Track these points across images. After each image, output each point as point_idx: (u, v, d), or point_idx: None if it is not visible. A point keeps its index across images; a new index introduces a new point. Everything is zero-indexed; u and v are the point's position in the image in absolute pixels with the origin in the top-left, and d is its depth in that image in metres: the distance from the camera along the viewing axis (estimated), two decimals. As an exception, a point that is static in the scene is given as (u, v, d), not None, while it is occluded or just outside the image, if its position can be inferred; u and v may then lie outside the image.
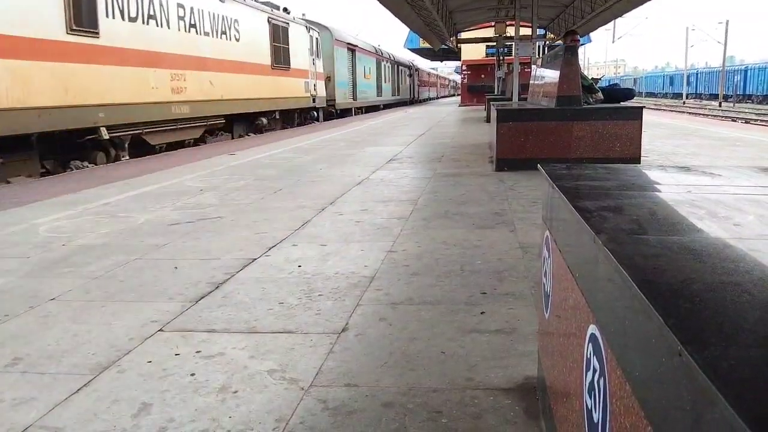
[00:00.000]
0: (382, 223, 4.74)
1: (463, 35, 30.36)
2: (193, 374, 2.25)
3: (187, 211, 5.46)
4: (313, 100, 20.85)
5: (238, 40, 14.87)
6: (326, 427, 1.85)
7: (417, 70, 50.40)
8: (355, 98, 27.45)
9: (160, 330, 2.68)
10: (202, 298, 3.09)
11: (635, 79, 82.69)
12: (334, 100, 23.61)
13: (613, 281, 0.83)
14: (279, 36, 17.62)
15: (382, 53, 34.44)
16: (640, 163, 7.08)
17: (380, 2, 16.74)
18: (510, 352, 2.31)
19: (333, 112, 24.06)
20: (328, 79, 23.08)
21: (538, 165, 1.92)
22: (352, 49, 27.04)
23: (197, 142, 13.18)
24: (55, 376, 2.26)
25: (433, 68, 70.77)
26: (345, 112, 26.33)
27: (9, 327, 2.77)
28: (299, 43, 19.53)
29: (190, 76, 12.29)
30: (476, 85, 35.67)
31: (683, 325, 0.59)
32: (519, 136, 7.28)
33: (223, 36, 14.07)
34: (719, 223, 1.05)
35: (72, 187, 7.12)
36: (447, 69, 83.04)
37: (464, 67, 37.31)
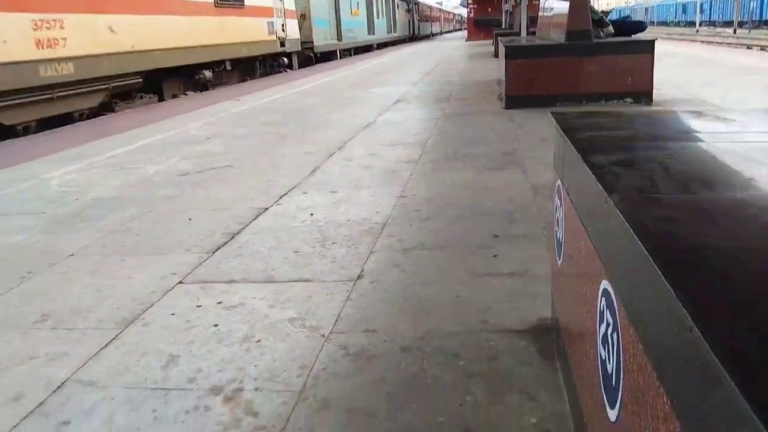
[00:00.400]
0: (392, 167, 4.74)
1: (468, -35, 29.28)
2: (216, 325, 2.32)
3: (196, 160, 5.47)
4: (282, 44, 16.98)
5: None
6: (348, 373, 1.93)
7: (417, 3, 46.63)
8: (340, 38, 23.48)
9: (180, 282, 2.75)
10: (218, 249, 3.15)
11: (646, 9, 79.89)
12: (312, 42, 19.78)
13: (625, 244, 0.84)
14: None
15: None
16: (652, 97, 6.98)
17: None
18: (523, 294, 2.36)
19: (311, 57, 20.21)
20: (303, 17, 19.22)
21: (549, 113, 1.90)
22: None
23: (98, 112, 9.45)
24: (84, 331, 2.35)
25: (438, 1, 68.46)
26: (328, 56, 22.41)
27: (33, 284, 2.85)
28: None
29: (73, 22, 8.55)
30: (483, 19, 34.66)
31: (694, 298, 0.61)
32: (528, 73, 7.15)
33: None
34: (734, 178, 1.06)
35: (72, 142, 7.11)
36: (452, 2, 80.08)
37: (470, 1, 36.16)
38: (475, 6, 35.89)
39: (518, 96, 7.19)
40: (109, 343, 2.25)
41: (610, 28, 7.72)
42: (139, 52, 10.08)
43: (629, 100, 6.95)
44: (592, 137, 1.61)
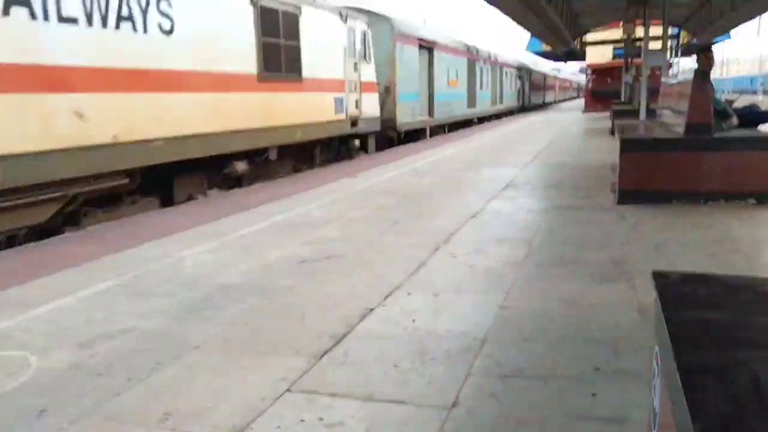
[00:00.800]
0: (496, 268, 4.81)
1: (589, 36, 29.26)
2: (316, 444, 2.49)
3: (313, 246, 5.83)
4: (354, 124, 14.10)
5: (167, 31, 8.07)
6: None
7: (529, 71, 43.98)
8: (431, 114, 20.56)
9: (288, 390, 2.97)
10: (325, 353, 3.36)
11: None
12: (394, 119, 16.98)
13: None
14: (278, 27, 10.67)
15: (477, 52, 27.09)
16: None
17: (501, 10, 16.64)
18: (619, 448, 2.33)
19: (392, 138, 17.40)
20: (387, 91, 16.82)
21: (651, 273, 1.88)
22: (427, 47, 19.83)
23: (43, 233, 6.96)
24: (201, 436, 2.60)
25: (555, 69, 67.67)
26: (416, 134, 19.49)
27: (161, 377, 3.19)
28: (324, 40, 12.56)
29: (10, 103, 6.12)
30: (601, 90, 34.16)
31: None
32: (643, 167, 7.00)
33: (126, 25, 7.42)
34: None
35: (212, 214, 7.83)
36: (569, 68, 79.08)
37: (589, 71, 35.85)
38: (594, 76, 35.48)
39: (632, 191, 7.03)
40: (222, 452, 2.48)
41: (734, 120, 7.42)
42: (129, 144, 7.53)
43: (752, 200, 6.58)
44: (693, 324, 1.56)
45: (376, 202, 8.08)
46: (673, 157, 6.85)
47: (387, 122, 16.63)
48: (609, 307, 3.84)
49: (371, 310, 4.01)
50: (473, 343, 3.39)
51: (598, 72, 34.90)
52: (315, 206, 7.97)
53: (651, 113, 12.97)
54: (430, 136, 21.04)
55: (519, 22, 19.50)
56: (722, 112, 7.30)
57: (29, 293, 4.72)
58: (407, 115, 18.05)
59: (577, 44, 28.17)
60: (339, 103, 13.39)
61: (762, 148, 6.61)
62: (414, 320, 3.79)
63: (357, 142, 15.08)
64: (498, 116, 32.99)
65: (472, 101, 26.58)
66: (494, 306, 3.96)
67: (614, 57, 31.39)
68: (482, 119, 29.28)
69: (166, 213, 8.28)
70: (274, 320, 3.92)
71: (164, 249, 6.01)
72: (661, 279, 1.77)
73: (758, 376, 1.32)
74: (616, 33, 25.70)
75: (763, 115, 7.73)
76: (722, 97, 14.58)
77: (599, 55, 32.51)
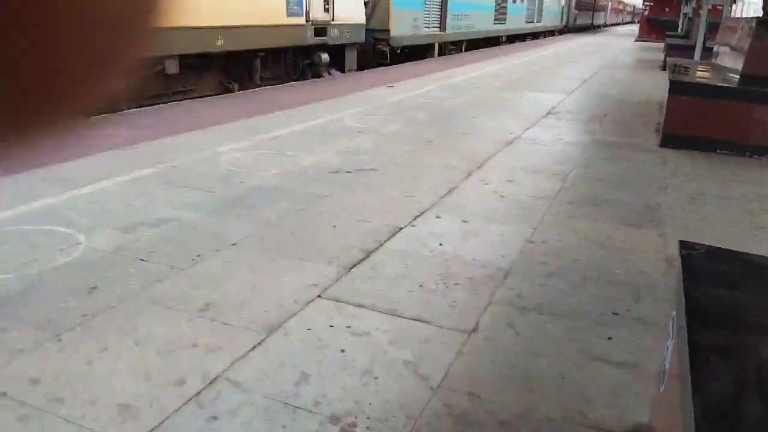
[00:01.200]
0: (527, 201, 4.84)
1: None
2: (343, 351, 2.66)
3: (346, 156, 5.89)
4: (320, 32, 11.05)
5: None
6: (448, 434, 2.18)
7: None
8: (443, 27, 16.57)
9: (319, 296, 3.13)
10: (354, 266, 3.49)
11: None
12: (388, 30, 13.36)
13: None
14: None
15: None
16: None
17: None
18: (628, 391, 2.46)
19: (386, 53, 13.75)
20: None
21: (678, 242, 1.93)
22: None
23: None
24: (237, 329, 2.79)
25: None
26: (420, 51, 15.91)
27: (201, 269, 3.36)
28: None
29: None
30: (658, 19, 32.41)
31: None
32: (691, 112, 6.79)
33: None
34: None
35: (246, 110, 7.86)
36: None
37: (648, -3, 33.88)
38: (652, 3, 33.54)
39: (677, 135, 6.86)
40: (256, 346, 2.66)
41: (797, 75, 7.07)
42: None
43: (802, 159, 6.41)
44: (711, 300, 1.64)
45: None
46: (723, 106, 6.62)
47: (377, 34, 13.25)
48: (637, 252, 3.89)
49: (400, 228, 4.11)
50: (497, 273, 3.49)
51: (656, 0, 32.97)
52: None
53: (707, 51, 12.37)
54: (440, 54, 17.36)
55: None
56: (784, 64, 6.94)
57: (71, 172, 4.89)
58: (406, 26, 14.07)
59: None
60: (295, 2, 10.13)
61: (819, 106, 6.35)
62: (441, 244, 3.88)
63: (325, 57, 11.45)
64: (535, 36, 29.44)
65: (500, 15, 21.93)
66: (521, 239, 4.03)
67: (677, -15, 29.51)
68: (513, 38, 25.03)
69: (202, 102, 8.32)
70: (307, 226, 4.05)
71: (201, 141, 6.11)
72: (686, 249, 1.82)
73: (764, 361, 1.39)
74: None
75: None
76: None
77: (662, -20, 30.57)
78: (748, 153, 6.59)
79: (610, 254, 3.85)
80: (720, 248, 2.01)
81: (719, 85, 7.04)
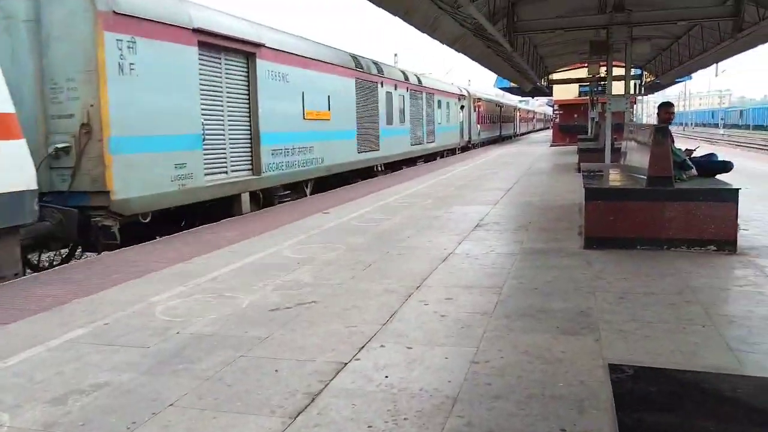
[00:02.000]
0: (466, 319, 4.93)
1: (555, 76, 30.14)
2: None
3: (285, 292, 5.88)
4: None
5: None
6: None
7: (478, 99, 37.30)
8: (256, 169, 11.88)
9: (264, 453, 3.01)
10: (300, 413, 3.40)
11: (741, 111, 77.80)
12: (107, 192, 8.24)
13: None
14: None
15: (378, 69, 18.63)
16: (736, 245, 6.86)
17: (469, 56, 17.09)
18: None
19: (112, 228, 8.40)
20: (84, 133, 8.15)
21: (608, 365, 2.03)
22: (242, 50, 11.30)
23: None
24: (178, 504, 2.62)
25: (523, 99, 68.03)
26: (212, 209, 10.86)
27: (137, 438, 3.20)
28: None
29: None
30: (568, 125, 35.17)
31: None
32: (608, 215, 7.26)
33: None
34: None
35: (183, 253, 7.81)
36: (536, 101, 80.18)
37: (556, 107, 36.91)
38: (561, 112, 36.51)
39: (598, 237, 7.27)
40: None
41: (694, 171, 7.77)
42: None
43: (712, 247, 6.87)
44: (643, 428, 1.71)
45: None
46: (636, 206, 7.13)
47: (90, 199, 8.26)
48: (575, 362, 3.98)
49: (345, 364, 4.08)
50: (445, 402, 3.48)
51: (565, 108, 35.96)
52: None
53: (616, 152, 13.41)
54: (265, 205, 12.40)
55: (486, 66, 20.04)
56: (682, 164, 7.63)
57: (-3, 342, 4.66)
58: (155, 180, 9.09)
59: (544, 82, 29.01)
60: None
61: (720, 198, 6.92)
62: (387, 376, 3.86)
63: None
64: (429, 158, 26.51)
65: (365, 142, 17.50)
66: (465, 360, 4.07)
67: (580, 94, 32.42)
68: (397, 164, 21.14)
69: (134, 251, 8.22)
70: (247, 375, 3.95)
71: (134, 293, 5.98)
72: (615, 373, 1.92)
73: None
74: (582, 72, 26.56)
75: (721, 165, 8.08)
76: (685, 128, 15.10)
77: (566, 92, 33.52)
78: (665, 246, 7.03)
79: (550, 366, 3.93)
80: (647, 368, 2.11)
81: (630, 188, 7.60)
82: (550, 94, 38.22)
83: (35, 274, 7.14)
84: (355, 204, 12.18)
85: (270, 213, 11.70)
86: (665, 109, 8.50)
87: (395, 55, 47.12)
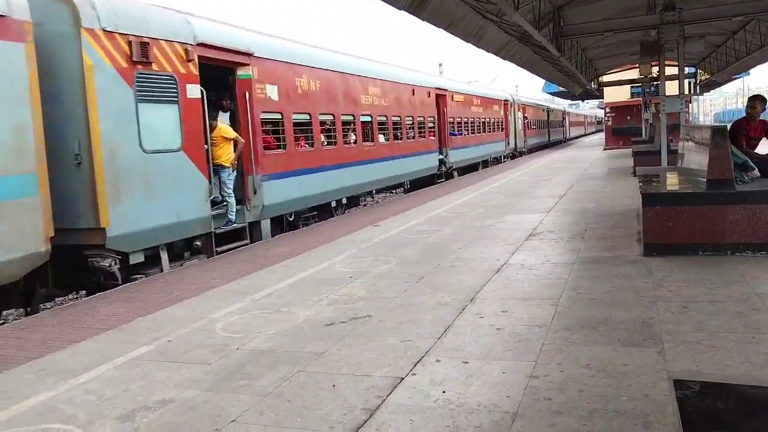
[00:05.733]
0: (523, 332, 4.85)
1: (605, 78, 29.51)
2: None
3: (340, 306, 5.94)
4: None
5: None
6: None
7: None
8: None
9: (325, 469, 3.04)
10: (358, 429, 3.42)
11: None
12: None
13: None
14: None
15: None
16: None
17: (514, 63, 16.94)
18: None
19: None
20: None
21: (673, 383, 1.96)
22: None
23: None
24: None
25: (573, 103, 66.44)
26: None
27: (203, 454, 3.28)
28: None
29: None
30: (621, 128, 34.31)
31: None
32: (668, 220, 7.03)
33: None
34: None
35: (240, 270, 7.99)
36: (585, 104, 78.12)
37: (608, 110, 36.07)
38: (613, 114, 35.64)
39: (658, 244, 7.05)
40: None
41: (756, 172, 7.45)
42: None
43: (779, 251, 6.56)
44: None
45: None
46: (696, 211, 6.88)
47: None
48: (639, 375, 3.86)
49: (402, 379, 4.08)
50: (505, 418, 3.43)
51: (617, 110, 35.09)
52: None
53: (673, 153, 13.00)
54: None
55: (533, 72, 19.82)
56: (743, 165, 7.34)
57: (68, 361, 4.87)
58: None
59: (594, 85, 28.39)
60: None
61: (785, 199, 6.61)
62: (444, 391, 3.84)
63: None
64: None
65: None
66: (524, 375, 4.01)
67: (632, 95, 31.59)
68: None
69: (191, 269, 8.47)
70: (306, 391, 4.01)
71: (195, 310, 6.15)
72: (681, 389, 1.85)
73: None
74: (633, 73, 25.89)
75: (785, 163, 7.72)
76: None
77: (617, 93, 32.72)
78: (729, 251, 6.75)
79: (613, 380, 3.82)
80: (714, 383, 2.04)
81: (689, 191, 7.35)
82: (601, 97, 37.39)
83: (101, 293, 7.44)
84: (404, 216, 12.21)
85: (322, 227, 11.86)
86: (750, 103, 8.21)
87: (440, 64, 46.65)
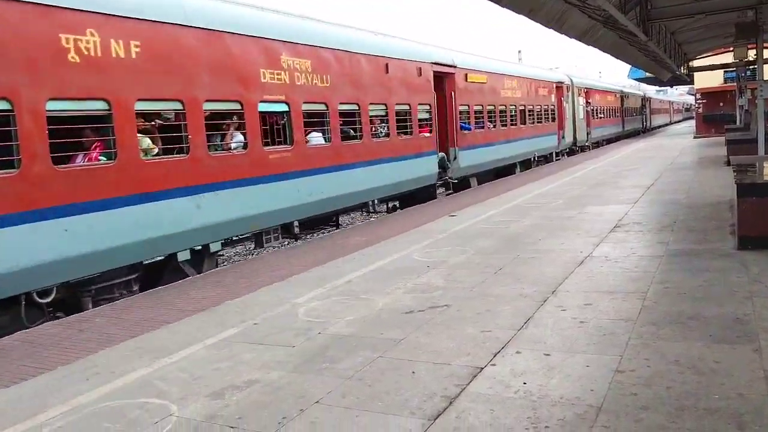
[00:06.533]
0: (608, 326, 4.72)
1: (696, 63, 27.90)
2: None
3: (418, 295, 5.98)
4: None
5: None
6: None
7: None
8: None
9: (406, 453, 3.09)
10: (439, 416, 3.45)
11: None
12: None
13: None
14: None
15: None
16: None
17: (598, 48, 16.33)
18: None
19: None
20: None
21: None
22: None
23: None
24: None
25: (661, 89, 62.70)
26: None
27: (288, 432, 3.41)
28: None
29: None
30: (713, 115, 32.34)
31: None
32: (764, 212, 6.60)
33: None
34: None
35: (320, 257, 8.18)
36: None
37: (698, 96, 34.09)
38: (705, 101, 33.65)
39: (753, 237, 6.64)
40: None
41: None
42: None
43: None
44: None
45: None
46: (798, 202, 6.43)
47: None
48: (731, 373, 3.68)
49: (481, 369, 4.07)
50: (589, 411, 3.36)
51: (709, 96, 33.11)
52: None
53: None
54: None
55: (618, 57, 19.01)
56: None
57: (162, 340, 5.17)
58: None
59: (683, 70, 26.87)
60: None
61: None
62: (525, 383, 3.81)
63: None
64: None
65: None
66: (609, 369, 3.90)
67: (725, 81, 29.69)
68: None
69: (275, 255, 8.75)
70: (386, 376, 4.07)
71: (279, 295, 6.37)
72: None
73: None
74: (727, 57, 24.28)
75: None
76: None
77: (709, 79, 30.82)
78: (836, 247, 6.27)
79: (704, 378, 3.66)
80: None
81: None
82: (691, 83, 35.37)
83: (193, 277, 7.83)
84: (482, 206, 12.08)
85: (398, 217, 11.93)
86: None
87: (519, 51, 45.02)
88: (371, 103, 11.93)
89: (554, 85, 24.50)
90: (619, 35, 14.90)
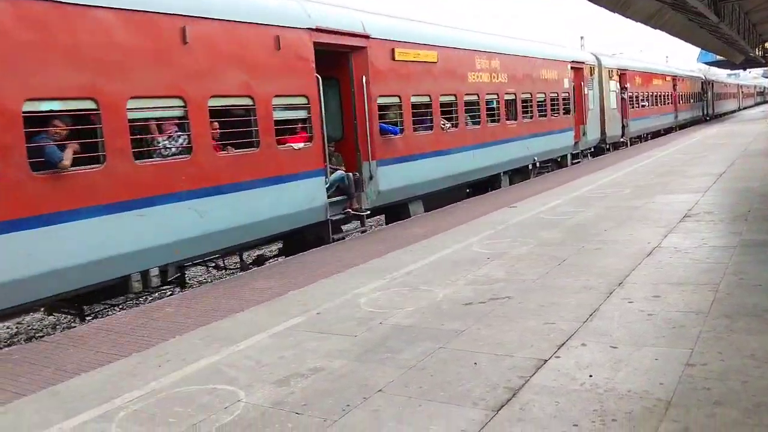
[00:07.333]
0: (678, 318, 4.55)
1: (773, 42, 26.36)
2: (501, 504, 2.57)
3: (478, 287, 5.94)
4: None
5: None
6: None
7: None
8: None
9: (469, 443, 3.09)
10: (502, 407, 3.43)
11: None
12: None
13: None
14: None
15: None
16: None
17: (666, 32, 15.68)
18: None
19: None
20: None
21: None
22: None
23: None
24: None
25: (733, 73, 59.42)
26: None
27: (352, 420, 3.46)
28: None
29: None
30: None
31: None
32: None
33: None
34: None
35: (379, 249, 8.24)
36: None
37: (775, 78, 32.11)
38: (783, 83, 31.69)
39: (840, 226, 6.14)
40: (412, 502, 2.65)
41: None
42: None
43: None
44: None
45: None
46: None
47: None
48: (816, 370, 3.49)
49: (545, 361, 4.02)
50: (658, 405, 3.26)
51: (788, 78, 31.12)
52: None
53: None
54: None
55: (687, 41, 18.18)
56: None
57: (229, 329, 5.34)
58: None
59: (758, 51, 25.45)
60: None
61: None
62: (591, 375, 3.73)
63: None
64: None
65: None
66: (679, 362, 3.77)
67: (807, 61, 27.92)
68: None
69: (337, 247, 8.87)
70: (447, 367, 4.07)
71: (341, 285, 6.46)
72: None
73: None
74: (810, 35, 22.85)
75: None
76: None
77: (788, 59, 29.06)
78: None
79: (785, 374, 3.48)
80: None
81: None
82: (766, 64, 33.49)
83: (256, 268, 8.05)
84: (543, 196, 11.84)
85: (456, 209, 11.85)
86: None
87: (581, 37, 43.69)
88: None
89: (568, 66, 18.11)
90: (688, 17, 14.28)
